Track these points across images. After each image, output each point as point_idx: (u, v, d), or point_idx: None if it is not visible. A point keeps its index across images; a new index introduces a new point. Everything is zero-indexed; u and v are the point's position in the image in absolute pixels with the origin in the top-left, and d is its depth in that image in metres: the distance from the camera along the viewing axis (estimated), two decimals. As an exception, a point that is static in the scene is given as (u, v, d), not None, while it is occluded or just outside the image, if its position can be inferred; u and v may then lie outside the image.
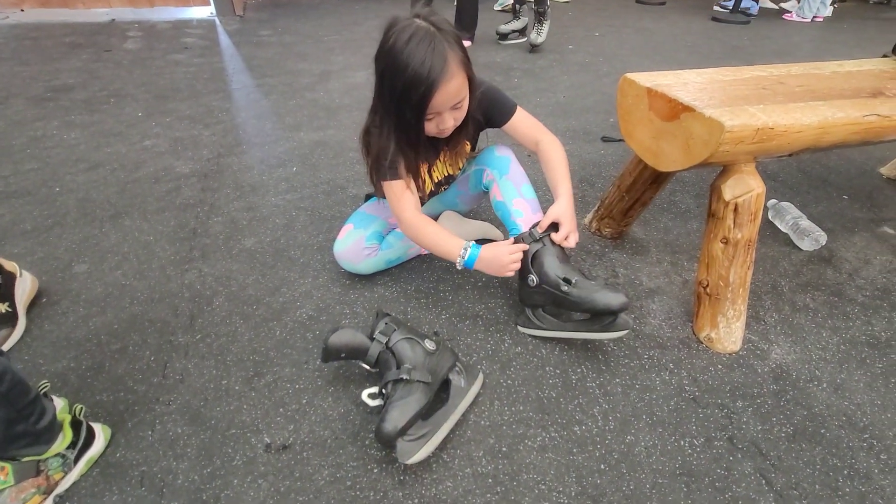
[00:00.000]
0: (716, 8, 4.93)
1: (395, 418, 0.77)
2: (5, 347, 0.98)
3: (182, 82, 2.49)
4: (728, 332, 1.02)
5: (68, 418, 0.78)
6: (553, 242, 0.99)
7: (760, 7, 5.04)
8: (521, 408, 0.91)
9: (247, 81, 2.55)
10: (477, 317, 1.11)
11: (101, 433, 0.82)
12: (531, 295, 1.01)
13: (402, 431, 0.77)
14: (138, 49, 3.04)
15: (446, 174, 1.15)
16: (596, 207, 1.40)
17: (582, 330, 0.99)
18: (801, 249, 1.38)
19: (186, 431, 0.84)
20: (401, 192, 1.00)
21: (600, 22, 4.30)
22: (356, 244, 1.15)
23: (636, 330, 1.09)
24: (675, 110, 0.88)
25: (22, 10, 3.81)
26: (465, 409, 0.88)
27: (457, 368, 0.92)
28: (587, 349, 1.03)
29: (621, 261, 1.31)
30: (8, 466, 0.72)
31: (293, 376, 0.95)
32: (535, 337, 1.06)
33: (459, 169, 1.18)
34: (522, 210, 1.06)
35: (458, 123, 0.95)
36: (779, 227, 1.46)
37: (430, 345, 0.90)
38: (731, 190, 0.93)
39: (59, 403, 0.79)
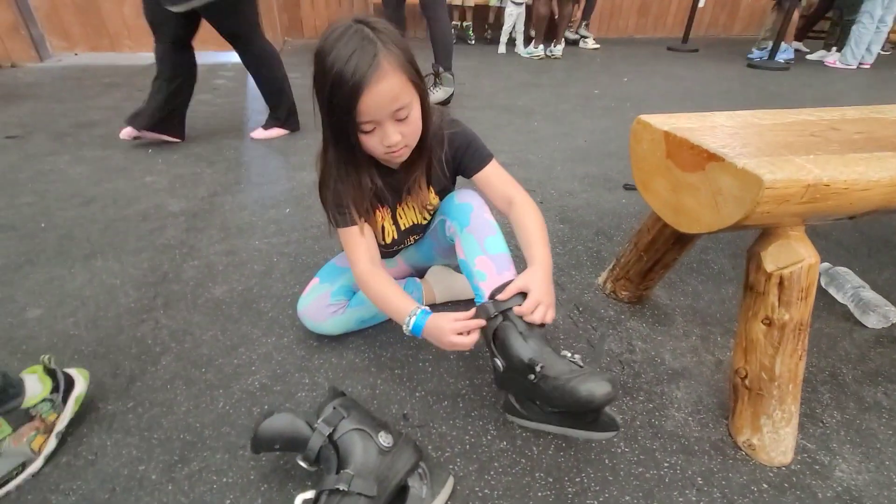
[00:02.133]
0: (750, 56, 4.77)
1: (318, 550, 0.59)
2: None
3: (200, 121, 2.50)
4: (775, 439, 0.80)
5: (39, 369, 0.83)
6: (518, 316, 0.78)
7: (795, 50, 4.84)
8: (498, 530, 0.71)
9: (261, 121, 2.55)
10: (458, 396, 0.93)
11: (80, 375, 0.87)
12: (504, 380, 0.81)
13: (327, 568, 0.58)
14: (169, 89, 3.13)
15: (414, 222, 1.00)
16: (611, 266, 1.21)
17: (566, 424, 0.79)
18: (865, 327, 1.13)
19: (76, 535, 0.68)
20: (354, 240, 0.88)
21: (629, 68, 4.21)
22: (320, 300, 1.00)
23: (656, 427, 0.87)
24: (700, 159, 0.71)
25: (76, 55, 4.08)
26: (423, 529, 0.69)
27: (419, 471, 0.73)
28: (589, 449, 0.83)
29: (639, 332, 1.10)
30: (2, 420, 0.75)
31: (223, 465, 0.78)
32: (523, 428, 0.86)
33: (428, 217, 1.02)
34: (486, 271, 0.86)
35: (409, 142, 0.82)
36: (835, 297, 1.22)
37: (385, 440, 0.72)
38: (773, 259, 0.74)
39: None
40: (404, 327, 0.81)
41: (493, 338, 0.79)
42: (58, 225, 1.49)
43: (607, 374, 0.81)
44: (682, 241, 0.99)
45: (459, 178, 1.01)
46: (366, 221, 0.90)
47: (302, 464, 0.72)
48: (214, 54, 4.15)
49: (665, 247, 1.01)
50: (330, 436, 0.71)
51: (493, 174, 0.93)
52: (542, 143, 2.30)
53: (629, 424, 0.87)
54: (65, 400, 0.83)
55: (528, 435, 0.85)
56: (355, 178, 0.86)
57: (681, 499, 0.75)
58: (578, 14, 5.44)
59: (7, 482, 0.73)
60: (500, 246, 0.89)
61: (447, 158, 0.92)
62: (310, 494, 0.68)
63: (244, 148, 2.17)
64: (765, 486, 0.77)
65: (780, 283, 0.74)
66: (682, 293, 1.24)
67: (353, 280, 1.04)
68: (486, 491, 0.76)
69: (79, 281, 1.23)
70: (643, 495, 0.75)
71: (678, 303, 1.20)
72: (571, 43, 5.42)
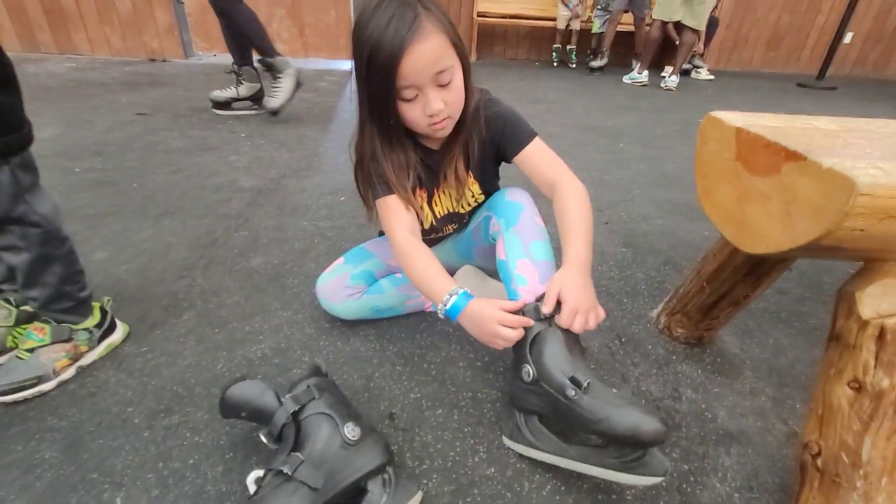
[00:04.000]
0: None
1: (239, 531, 0.53)
2: None
3: (294, 114, 2.69)
4: (853, 547, 0.59)
5: (97, 305, 0.90)
6: (560, 326, 0.69)
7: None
8: (457, 568, 0.59)
9: (348, 119, 2.67)
10: (455, 407, 0.83)
11: (121, 327, 0.94)
12: (524, 394, 0.71)
13: (245, 554, 0.52)
14: (278, 87, 3.44)
15: (450, 209, 0.93)
16: (668, 297, 1.03)
17: (593, 462, 0.65)
18: None
19: (51, 460, 0.70)
20: (395, 208, 0.82)
21: (746, 101, 3.81)
22: (339, 280, 0.97)
23: (688, 494, 0.70)
24: (775, 160, 0.56)
25: (214, 55, 4.68)
26: (370, 542, 0.60)
27: (384, 476, 0.65)
28: (596, 493, 0.68)
29: (691, 378, 0.92)
30: (47, 327, 0.83)
31: (200, 425, 0.77)
32: (522, 457, 0.73)
33: (466, 208, 0.94)
34: (527, 276, 0.77)
35: (452, 113, 0.76)
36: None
37: (351, 432, 0.65)
38: (874, 303, 0.55)
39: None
40: (440, 307, 0.74)
41: (531, 345, 0.70)
42: (146, 186, 1.65)
43: (657, 412, 0.66)
44: (756, 272, 0.81)
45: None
46: (408, 194, 0.83)
47: (263, 439, 0.67)
48: (326, 61, 4.53)
49: (734, 278, 0.83)
50: (295, 414, 0.66)
51: (535, 154, 0.83)
52: (623, 164, 2.12)
53: (652, 485, 0.71)
54: (100, 340, 0.89)
55: (524, 467, 0.72)
56: (398, 153, 0.82)
57: (701, 593, 0.58)
58: (700, 45, 5.06)
59: (19, 391, 0.78)
60: (546, 254, 0.80)
61: (485, 140, 0.85)
62: (262, 473, 0.63)
63: (323, 140, 2.28)
64: None
65: (881, 337, 0.55)
66: (759, 344, 1.02)
67: (379, 266, 1.01)
68: (455, 518, 0.65)
69: (144, 235, 1.34)
70: (650, 575, 0.60)
71: (751, 354, 0.99)
72: (683, 73, 5.05)
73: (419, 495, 0.66)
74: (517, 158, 0.84)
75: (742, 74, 5.42)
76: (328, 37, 4.53)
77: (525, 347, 0.70)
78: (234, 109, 2.61)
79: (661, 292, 1.18)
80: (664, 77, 4.13)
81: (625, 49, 5.46)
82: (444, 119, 0.76)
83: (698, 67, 5.07)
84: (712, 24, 5.10)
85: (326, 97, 3.21)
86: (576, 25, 4.90)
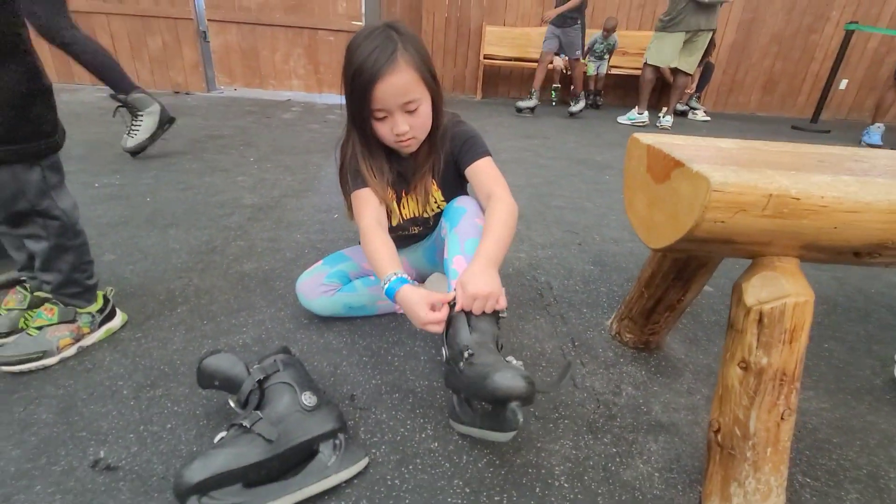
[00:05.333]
0: (863, 141, 4.18)
1: (198, 468, 0.61)
2: None
3: (301, 143, 2.88)
4: (747, 514, 0.65)
5: (101, 293, 1.01)
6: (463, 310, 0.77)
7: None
8: (391, 521, 0.67)
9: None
10: (411, 392, 0.91)
11: (120, 315, 1.05)
12: (446, 374, 0.79)
13: (202, 488, 0.61)
14: (290, 119, 3.68)
15: (416, 213, 1.04)
16: (619, 306, 1.12)
17: (479, 425, 0.74)
18: (944, 434, 0.88)
19: (46, 420, 0.79)
20: (367, 199, 0.95)
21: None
22: (315, 278, 1.07)
23: (611, 472, 0.76)
24: (667, 168, 0.66)
25: (235, 89, 5.00)
26: (316, 493, 0.68)
27: (335, 441, 0.73)
28: (524, 473, 0.75)
29: (634, 377, 0.99)
30: (55, 308, 0.94)
31: (180, 397, 0.86)
32: (465, 435, 0.81)
33: (430, 213, 1.05)
34: (460, 270, 0.86)
35: (417, 134, 0.90)
36: (911, 392, 0.98)
37: (308, 399, 0.74)
38: (755, 292, 0.64)
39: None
40: (382, 285, 0.83)
41: (447, 329, 0.79)
42: (158, 201, 1.80)
43: (531, 374, 0.72)
44: (683, 277, 0.90)
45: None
46: (381, 188, 0.95)
47: (232, 404, 0.77)
48: (338, 97, 4.81)
49: (665, 282, 0.92)
50: (260, 382, 0.75)
51: (482, 168, 0.95)
52: (605, 194, 2.24)
53: (580, 462, 0.78)
54: (101, 325, 1.00)
55: (465, 444, 0.80)
56: (376, 157, 0.96)
57: (608, 551, 0.64)
58: (693, 87, 5.28)
59: (25, 362, 0.88)
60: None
61: (448, 154, 0.98)
62: (226, 432, 0.72)
63: (325, 166, 2.44)
64: (723, 569, 0.63)
65: (760, 321, 0.63)
66: (703, 351, 1.09)
67: (353, 268, 1.12)
68: (396, 482, 0.72)
69: (150, 241, 1.47)
70: (563, 534, 0.66)
71: (694, 360, 1.06)
72: (680, 114, 5.26)
73: (365, 460, 0.74)
74: (468, 170, 0.96)
75: (738, 117, 5.60)
76: (340, 74, 4.84)
77: (443, 332, 0.79)
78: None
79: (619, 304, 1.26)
80: (659, 117, 4.31)
81: (624, 90, 5.72)
82: (409, 139, 0.90)
83: (695, 109, 5.28)
84: (708, 68, 5.35)
85: (333, 128, 3.41)
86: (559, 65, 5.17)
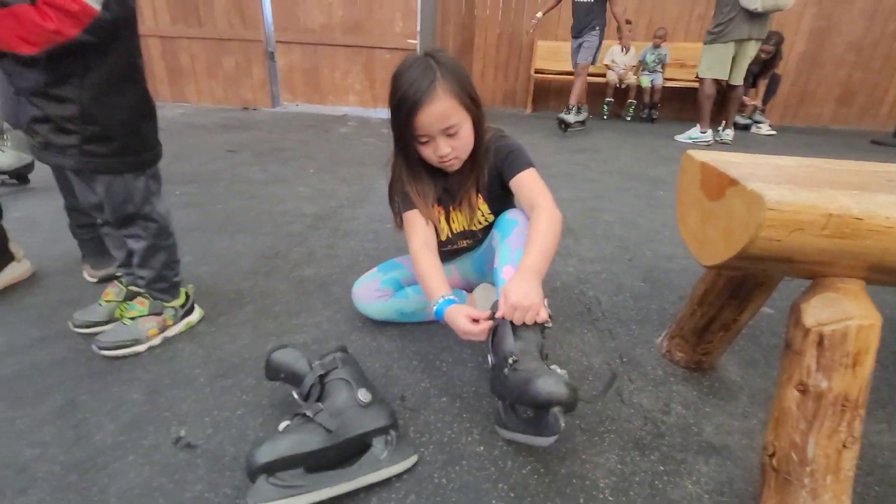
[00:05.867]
0: None
1: (267, 450, 0.68)
2: None
3: (357, 156, 3.03)
4: (804, 545, 0.63)
5: (184, 290, 1.13)
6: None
7: None
8: (438, 517, 0.70)
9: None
10: (459, 397, 0.94)
11: (197, 311, 1.16)
12: (491, 381, 0.82)
13: (269, 468, 0.67)
14: (347, 132, 3.87)
15: (465, 227, 1.08)
16: (670, 324, 1.10)
17: (523, 430, 0.76)
18: None
19: (136, 400, 0.90)
20: (414, 222, 1.01)
21: (806, 156, 3.71)
22: (370, 284, 1.14)
23: (658, 490, 0.76)
24: (722, 186, 0.67)
25: (297, 105, 5.32)
26: (368, 484, 0.72)
27: (388, 437, 0.77)
28: (568, 482, 0.76)
29: (685, 397, 0.97)
30: (147, 301, 1.06)
31: (248, 388, 0.94)
32: (511, 442, 0.83)
33: (478, 226, 1.09)
34: (507, 279, 0.89)
35: (459, 154, 0.95)
36: None
37: (363, 396, 0.79)
38: (815, 313, 0.63)
39: None
40: (431, 307, 0.90)
41: (492, 336, 0.82)
42: (228, 208, 1.96)
43: (574, 382, 0.73)
44: (738, 295, 0.88)
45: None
46: (428, 211, 1.02)
47: (295, 396, 0.83)
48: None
49: (719, 300, 0.90)
50: (321, 377, 0.81)
51: (526, 180, 0.98)
52: (658, 209, 2.19)
53: (626, 477, 0.78)
54: (182, 318, 1.12)
55: (510, 450, 0.82)
56: (420, 177, 1.02)
57: (652, 567, 0.64)
58: (758, 100, 5.03)
59: (121, 348, 1.01)
60: None
61: (492, 168, 1.01)
62: (290, 420, 0.79)
63: (379, 177, 2.54)
64: None
65: (820, 343, 0.62)
66: (761, 375, 1.05)
67: (404, 276, 1.17)
68: (443, 480, 0.76)
69: (221, 246, 1.61)
70: (606, 546, 0.67)
71: (751, 383, 1.02)
72: (743, 128, 5.01)
73: (414, 458, 0.78)
74: (512, 182, 0.99)
75: (808, 130, 5.27)
76: (395, 90, 5.03)
77: (487, 340, 0.83)
78: None
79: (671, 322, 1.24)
80: (718, 131, 4.14)
81: (681, 103, 5.53)
82: (451, 159, 0.95)
83: (759, 123, 5.02)
84: (773, 80, 5.08)
85: (387, 142, 3.49)
86: (629, 81, 5.08)
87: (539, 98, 5.81)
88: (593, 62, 3.98)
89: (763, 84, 5.01)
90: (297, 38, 4.86)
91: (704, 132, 4.11)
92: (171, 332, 1.09)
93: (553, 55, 5.49)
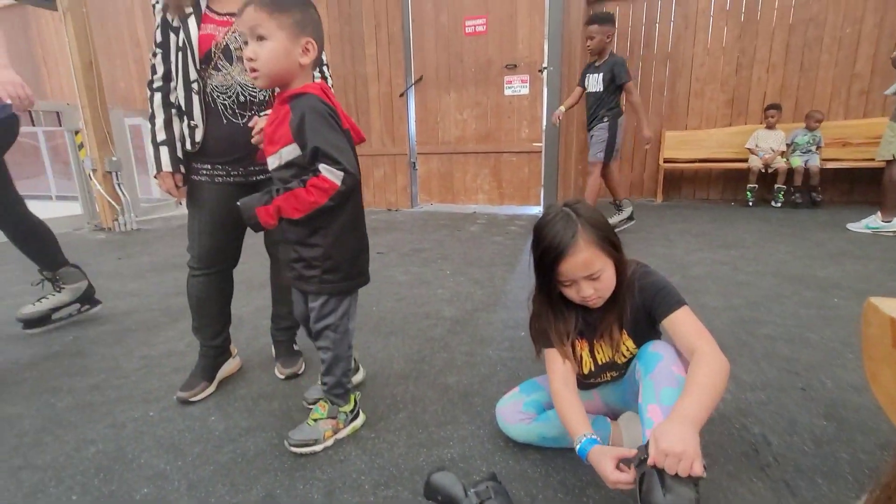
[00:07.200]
0: None
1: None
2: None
3: (487, 256, 3.24)
4: None
5: (353, 396, 1.29)
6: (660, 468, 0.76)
7: None
8: None
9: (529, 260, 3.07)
10: (610, 544, 0.91)
11: (361, 416, 1.31)
12: None
13: None
14: (476, 231, 4.17)
15: (610, 359, 1.09)
16: (872, 487, 0.93)
17: None
18: None
19: (316, 500, 1.04)
20: (554, 360, 1.07)
21: None
22: (514, 405, 1.19)
23: None
24: (921, 355, 0.61)
25: (431, 204, 5.95)
26: None
27: (540, 582, 0.78)
28: None
29: (905, 591, 0.79)
30: (327, 405, 1.23)
31: (405, 501, 1.03)
32: None
33: (622, 359, 1.08)
34: (655, 419, 0.86)
35: (602, 294, 1.00)
36: None
37: (516, 532, 0.82)
38: None
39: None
40: (575, 445, 0.93)
41: (640, 486, 0.81)
42: (380, 310, 2.24)
43: None
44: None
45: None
46: (565, 350, 1.08)
47: (451, 521, 0.89)
48: (517, 207, 5.28)
49: (939, 473, 0.76)
50: (476, 506, 0.87)
51: (680, 321, 0.98)
52: (835, 322, 1.90)
53: None
54: (349, 422, 1.29)
55: None
56: (560, 317, 1.10)
57: None
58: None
59: (305, 446, 1.19)
60: (675, 399, 0.90)
61: (637, 305, 1.04)
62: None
63: (510, 279, 2.68)
64: None
65: None
66: None
67: (546, 398, 1.21)
68: None
69: (377, 347, 1.83)
70: None
71: None
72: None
73: None
74: (665, 322, 0.99)
75: None
76: (521, 188, 5.33)
77: (636, 487, 0.81)
78: (53, 322, 2.09)
79: (871, 480, 1.04)
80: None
81: (849, 185, 4.86)
82: (594, 298, 1.01)
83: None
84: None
85: (515, 239, 3.73)
86: (776, 165, 4.68)
87: (669, 185, 5.63)
88: (606, 161, 3.61)
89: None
90: (436, 150, 5.56)
91: (888, 221, 3.50)
92: (340, 435, 1.26)
93: (684, 144, 5.38)
